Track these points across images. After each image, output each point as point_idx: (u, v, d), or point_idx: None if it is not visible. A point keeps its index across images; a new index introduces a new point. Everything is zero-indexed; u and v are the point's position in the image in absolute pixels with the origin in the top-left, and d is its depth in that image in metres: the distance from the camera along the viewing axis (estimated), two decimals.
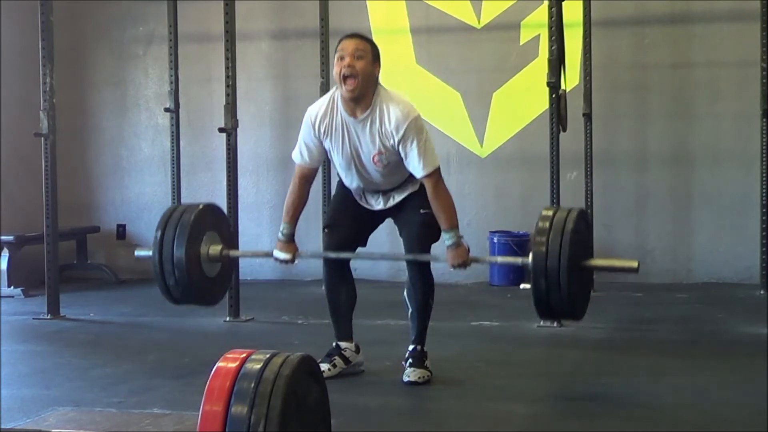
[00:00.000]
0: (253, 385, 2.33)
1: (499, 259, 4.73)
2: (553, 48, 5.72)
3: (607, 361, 5.00)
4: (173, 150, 7.63)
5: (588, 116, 7.16)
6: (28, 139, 6.71)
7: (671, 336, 5.63)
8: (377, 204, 4.46)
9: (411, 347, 4.48)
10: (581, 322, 5.84)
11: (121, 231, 8.57)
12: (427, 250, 4.44)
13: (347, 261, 4.54)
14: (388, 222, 4.59)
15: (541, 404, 4.19)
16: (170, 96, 7.56)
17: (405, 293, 4.49)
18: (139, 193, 8.51)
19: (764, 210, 6.88)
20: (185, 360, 5.03)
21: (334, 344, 4.57)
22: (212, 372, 2.39)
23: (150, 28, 8.46)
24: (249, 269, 7.89)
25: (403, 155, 4.23)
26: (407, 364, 4.45)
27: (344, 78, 4.16)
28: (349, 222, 4.47)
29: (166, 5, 7.63)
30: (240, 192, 6.55)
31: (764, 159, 6.90)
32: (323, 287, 4.60)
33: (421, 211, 4.36)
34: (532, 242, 3.93)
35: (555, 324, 5.76)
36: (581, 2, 7.17)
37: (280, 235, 4.49)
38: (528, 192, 7.70)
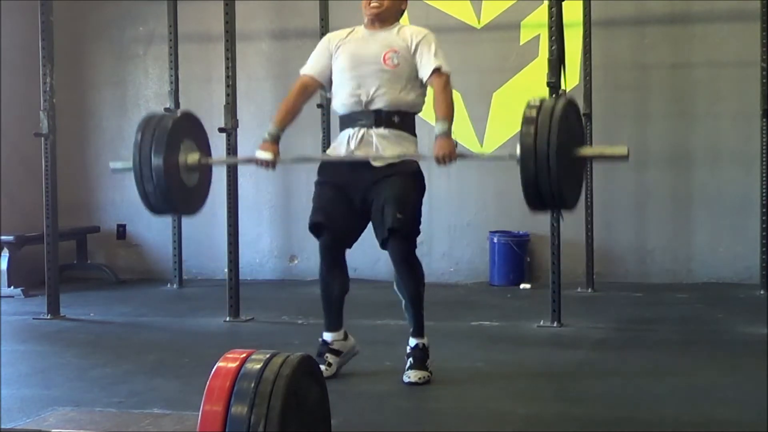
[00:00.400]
0: (253, 385, 2.33)
1: (487, 154, 4.58)
2: (553, 48, 5.72)
3: (607, 361, 5.00)
4: None
5: (588, 116, 7.15)
6: (28, 139, 6.70)
7: (671, 336, 5.62)
8: (355, 149, 4.31)
9: (413, 343, 4.46)
10: (581, 322, 5.88)
11: (121, 231, 8.56)
12: (409, 208, 4.32)
13: (343, 254, 4.47)
14: None
15: (541, 404, 4.19)
16: (170, 96, 7.58)
17: (395, 285, 4.47)
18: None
19: (764, 210, 6.88)
20: (185, 360, 5.03)
21: (320, 340, 4.53)
22: (212, 372, 2.39)
23: (150, 28, 8.45)
24: (249, 269, 7.89)
25: (419, 54, 4.35)
26: (408, 362, 4.43)
27: (370, 2, 4.41)
28: (339, 215, 4.39)
29: (166, 5, 7.64)
30: (240, 192, 6.54)
31: (764, 159, 6.91)
32: (318, 277, 4.52)
33: (401, 179, 4.29)
34: (520, 133, 3.85)
35: (555, 324, 5.76)
36: (581, 2, 7.18)
37: (265, 135, 4.42)
38: None
